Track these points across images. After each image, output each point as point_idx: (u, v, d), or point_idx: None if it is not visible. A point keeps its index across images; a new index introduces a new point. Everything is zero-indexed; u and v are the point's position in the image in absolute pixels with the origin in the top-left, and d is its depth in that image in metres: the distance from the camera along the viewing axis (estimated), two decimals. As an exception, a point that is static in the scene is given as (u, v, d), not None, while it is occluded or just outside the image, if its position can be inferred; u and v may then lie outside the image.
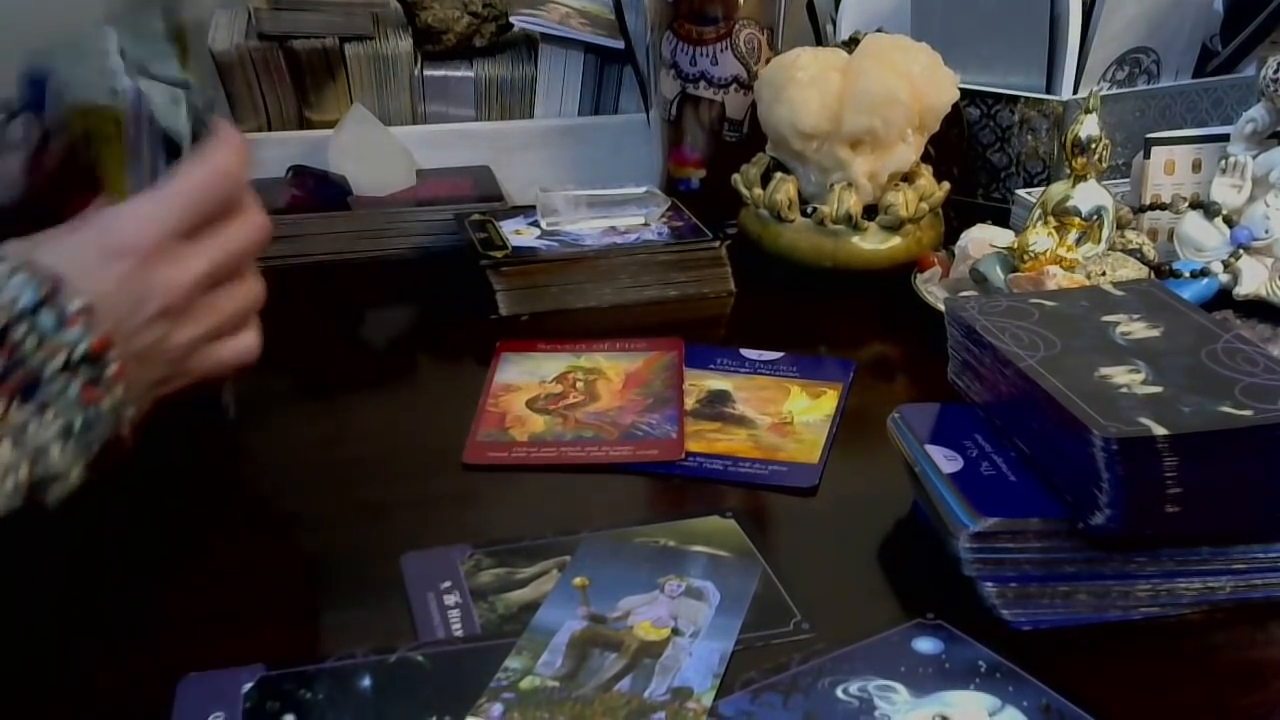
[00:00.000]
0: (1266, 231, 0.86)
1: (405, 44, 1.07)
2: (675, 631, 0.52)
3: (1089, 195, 0.84)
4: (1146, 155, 0.92)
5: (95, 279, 0.51)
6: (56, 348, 0.49)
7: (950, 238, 0.92)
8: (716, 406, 0.73)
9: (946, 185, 0.94)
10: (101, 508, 0.55)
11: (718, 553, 0.58)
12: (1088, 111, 0.83)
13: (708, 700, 0.48)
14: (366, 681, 0.50)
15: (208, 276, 0.56)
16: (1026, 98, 0.99)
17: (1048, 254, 0.79)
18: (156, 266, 0.54)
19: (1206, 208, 0.88)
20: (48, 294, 0.49)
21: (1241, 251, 0.85)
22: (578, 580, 0.56)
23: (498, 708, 0.48)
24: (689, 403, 0.74)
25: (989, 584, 0.53)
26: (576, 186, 0.97)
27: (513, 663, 0.50)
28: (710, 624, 0.53)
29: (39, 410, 0.48)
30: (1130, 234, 0.87)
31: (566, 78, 1.11)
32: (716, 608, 0.54)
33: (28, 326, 0.48)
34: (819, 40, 1.14)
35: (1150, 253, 0.86)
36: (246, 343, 0.60)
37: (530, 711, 0.48)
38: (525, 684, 0.49)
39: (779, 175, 0.93)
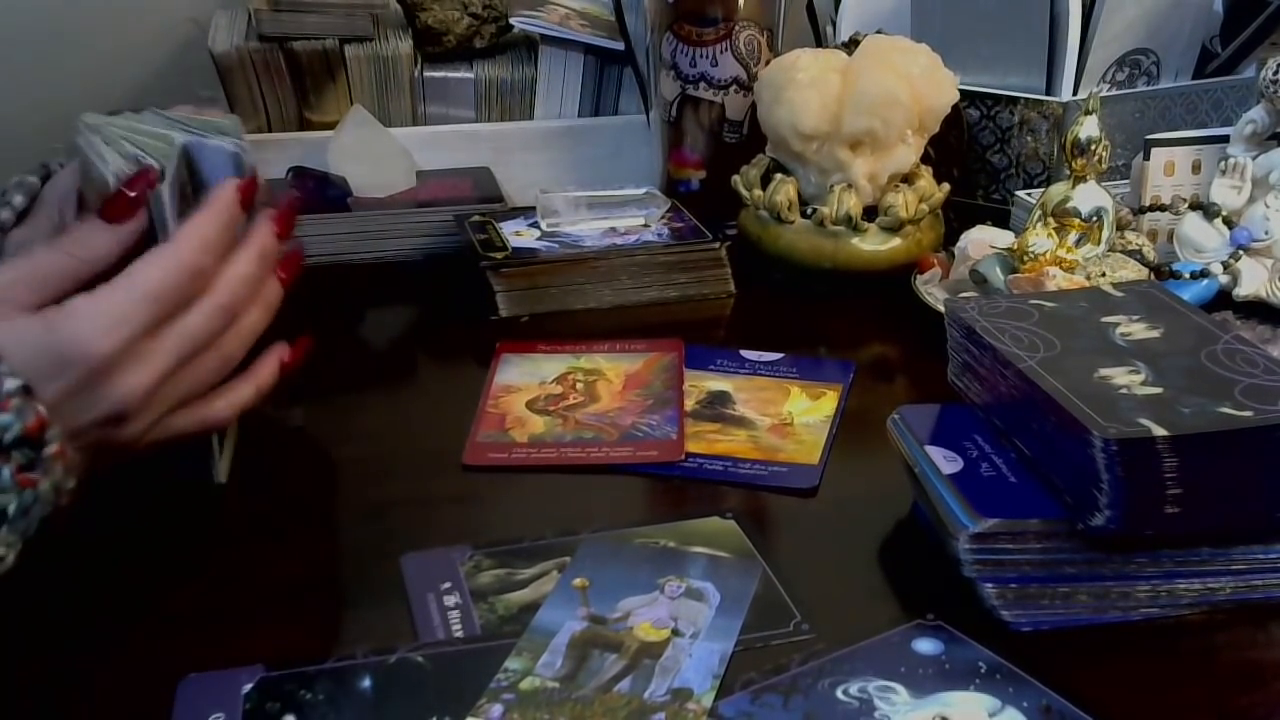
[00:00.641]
0: (1266, 233, 0.86)
1: (405, 45, 1.07)
2: (675, 632, 0.52)
3: (1089, 196, 0.84)
4: (1146, 156, 0.92)
5: (39, 381, 0.49)
6: None
7: (950, 239, 0.92)
8: (716, 407, 0.73)
9: (946, 186, 0.94)
10: (101, 509, 0.55)
11: (718, 554, 0.58)
12: (1087, 113, 0.83)
13: (708, 701, 0.48)
14: (366, 682, 0.50)
15: (169, 373, 0.54)
16: (1026, 99, 0.99)
17: (1047, 255, 0.79)
18: (109, 376, 0.51)
19: (1206, 209, 0.88)
20: None
21: (1241, 253, 0.86)
22: (578, 581, 0.56)
23: (498, 708, 0.48)
24: (689, 404, 0.74)
25: (989, 585, 0.53)
26: (576, 188, 0.97)
27: (513, 664, 0.50)
28: (710, 625, 0.53)
29: None
30: (1130, 235, 0.87)
31: (566, 79, 1.11)
32: (716, 608, 0.54)
33: None
34: (819, 41, 1.14)
35: (1150, 254, 0.86)
36: (213, 412, 0.58)
37: (530, 712, 0.47)
38: (525, 685, 0.49)
39: (779, 176, 0.93)
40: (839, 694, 0.48)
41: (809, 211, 0.91)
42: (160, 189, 0.56)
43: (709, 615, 0.53)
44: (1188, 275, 0.85)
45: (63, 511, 0.51)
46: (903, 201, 0.90)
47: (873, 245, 0.90)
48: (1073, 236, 0.83)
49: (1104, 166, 0.84)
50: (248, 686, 0.49)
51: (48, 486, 0.49)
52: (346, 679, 0.50)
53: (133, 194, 0.56)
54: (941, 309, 0.68)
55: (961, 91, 0.94)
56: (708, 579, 0.56)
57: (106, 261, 0.54)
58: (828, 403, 0.74)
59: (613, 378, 0.77)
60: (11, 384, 0.47)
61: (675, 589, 0.55)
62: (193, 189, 0.61)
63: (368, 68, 1.06)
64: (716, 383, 0.76)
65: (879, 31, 1.02)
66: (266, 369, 0.62)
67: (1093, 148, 0.83)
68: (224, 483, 0.64)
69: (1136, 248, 0.86)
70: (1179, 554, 0.53)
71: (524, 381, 0.77)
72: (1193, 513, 0.51)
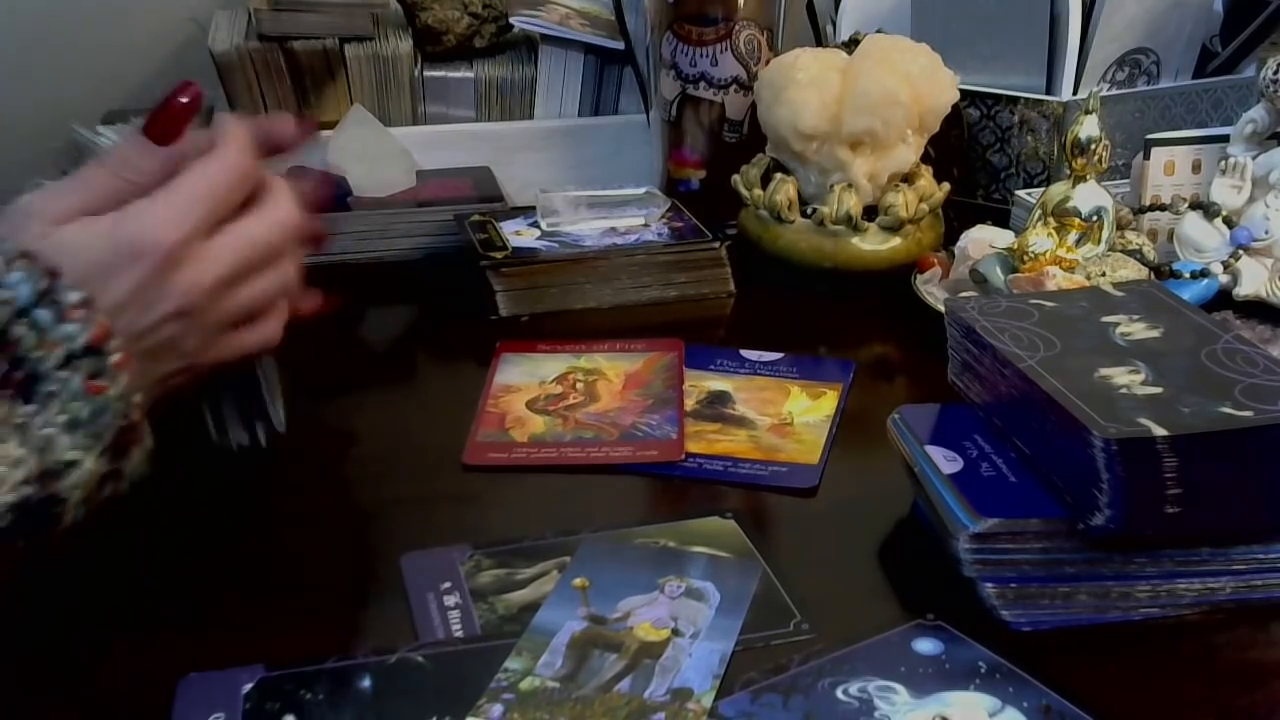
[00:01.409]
0: (1266, 232, 0.86)
1: (405, 45, 1.07)
2: (675, 632, 0.52)
3: (1089, 196, 0.84)
4: (1146, 156, 0.92)
5: (108, 279, 0.51)
6: (55, 343, 0.48)
7: (950, 238, 0.92)
8: (716, 407, 0.73)
9: (946, 186, 0.94)
10: (100, 509, 0.55)
11: (718, 553, 0.58)
12: (1088, 112, 0.83)
13: (708, 701, 0.48)
14: (366, 682, 0.50)
15: (229, 275, 0.56)
16: (1026, 98, 0.99)
17: (1047, 255, 0.79)
18: (175, 269, 0.53)
19: (1206, 208, 0.88)
20: (45, 288, 0.48)
21: (1241, 252, 0.85)
22: (578, 581, 0.56)
23: (497, 708, 0.48)
24: (689, 403, 0.74)
25: (989, 584, 0.53)
26: (576, 187, 0.97)
27: (513, 663, 0.50)
28: (710, 625, 0.53)
29: (43, 406, 0.48)
30: (1130, 235, 0.87)
31: (566, 78, 1.11)
32: (716, 608, 0.54)
33: (27, 324, 0.48)
34: (819, 41, 1.14)
35: (1150, 253, 0.86)
36: (268, 330, 0.60)
37: (530, 712, 0.47)
38: (525, 685, 0.49)
39: (779, 176, 0.93)
40: (839, 694, 0.48)
41: (809, 211, 0.91)
42: None
43: (709, 615, 0.53)
44: (1188, 275, 0.85)
45: (136, 429, 0.52)
46: (903, 201, 0.90)
47: (873, 245, 0.90)
48: (1073, 236, 0.83)
49: (1104, 166, 0.84)
50: (248, 686, 0.49)
51: (115, 394, 0.50)
52: (346, 679, 0.50)
53: (185, 99, 0.57)
54: (941, 309, 0.68)
55: (961, 91, 0.94)
56: (708, 579, 0.56)
57: (153, 184, 0.56)
58: (828, 402, 0.74)
59: (613, 377, 0.77)
60: (74, 295, 0.49)
61: (675, 589, 0.55)
62: None
63: (368, 67, 1.06)
64: (716, 382, 0.76)
65: (879, 31, 1.02)
66: (309, 295, 0.64)
67: (1093, 147, 0.83)
68: (284, 430, 0.65)
69: (1136, 247, 0.85)
70: (1179, 554, 0.53)
71: (524, 381, 0.77)
72: (1193, 513, 0.51)
